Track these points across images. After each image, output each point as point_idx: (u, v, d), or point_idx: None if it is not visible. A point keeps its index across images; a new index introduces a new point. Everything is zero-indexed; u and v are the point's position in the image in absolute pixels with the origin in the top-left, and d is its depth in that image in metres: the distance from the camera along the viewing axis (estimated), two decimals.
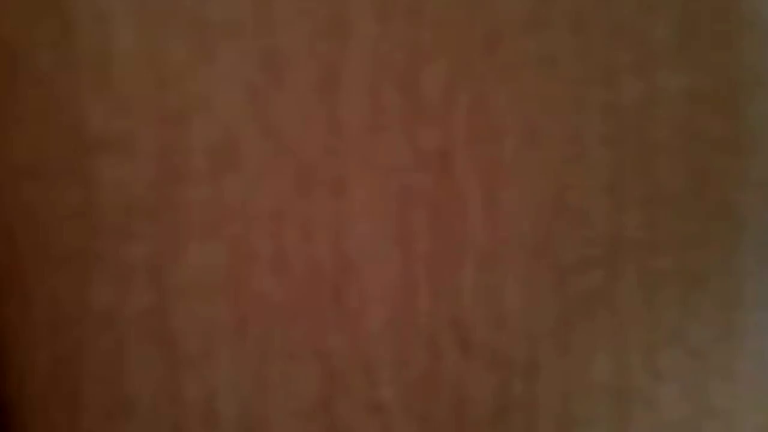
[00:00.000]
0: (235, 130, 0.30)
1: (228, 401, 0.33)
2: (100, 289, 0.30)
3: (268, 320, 0.32)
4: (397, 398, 0.34)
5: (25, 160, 0.28)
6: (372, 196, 0.32)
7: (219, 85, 0.29)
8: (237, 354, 0.32)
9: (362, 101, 0.30)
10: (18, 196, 0.28)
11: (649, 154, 0.32)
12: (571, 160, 0.32)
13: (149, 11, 0.27)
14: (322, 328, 0.33)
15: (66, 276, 0.30)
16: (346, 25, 0.29)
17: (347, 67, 0.30)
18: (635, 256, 0.33)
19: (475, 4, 0.30)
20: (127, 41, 0.27)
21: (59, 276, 0.29)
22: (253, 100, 0.29)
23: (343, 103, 0.30)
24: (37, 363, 0.30)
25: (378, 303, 0.33)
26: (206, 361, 0.32)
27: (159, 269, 0.30)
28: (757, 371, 0.36)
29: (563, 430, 0.35)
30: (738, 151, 0.33)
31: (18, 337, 0.30)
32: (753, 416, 0.36)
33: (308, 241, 0.32)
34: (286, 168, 0.30)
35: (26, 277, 0.29)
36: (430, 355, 0.34)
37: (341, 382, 0.34)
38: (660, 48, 0.31)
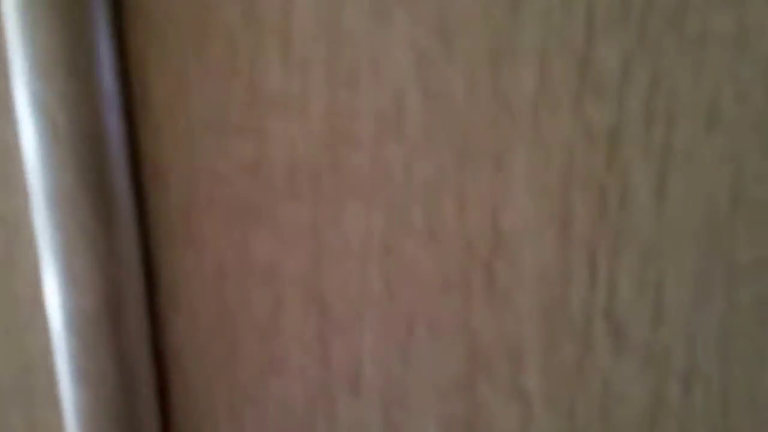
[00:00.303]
0: (402, 96, 0.30)
1: (373, 369, 0.33)
2: (263, 245, 0.31)
3: (416, 291, 0.32)
4: (541, 387, 0.33)
5: (208, 114, 0.30)
6: (534, 172, 0.31)
7: (390, 49, 0.29)
8: (384, 322, 0.33)
9: (532, 73, 0.29)
10: (199, 147, 0.30)
11: None
12: (757, 149, 0.30)
13: None
14: (470, 305, 0.32)
15: (234, 229, 0.31)
16: None
17: (519, 37, 0.29)
18: None
19: None
20: (307, 2, 0.28)
21: (229, 228, 0.31)
22: (421, 66, 0.29)
23: (511, 74, 0.29)
24: (201, 313, 0.32)
25: (530, 285, 0.32)
26: (355, 326, 0.33)
27: (318, 230, 0.31)
28: None
29: None
30: None
31: (187, 286, 0.32)
32: None
33: (464, 214, 0.31)
34: (448, 138, 0.30)
35: (201, 227, 0.31)
36: (580, 346, 0.33)
37: (485, 364, 0.33)
38: None
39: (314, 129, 0.30)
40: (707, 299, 0.32)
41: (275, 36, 0.28)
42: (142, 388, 0.31)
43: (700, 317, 0.33)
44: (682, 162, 0.31)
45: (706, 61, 0.29)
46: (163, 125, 0.30)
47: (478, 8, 0.29)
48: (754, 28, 0.28)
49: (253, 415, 0.33)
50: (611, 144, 0.30)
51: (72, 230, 0.29)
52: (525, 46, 0.29)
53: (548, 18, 0.29)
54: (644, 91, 0.29)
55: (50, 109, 0.28)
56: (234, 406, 0.34)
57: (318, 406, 0.34)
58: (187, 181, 0.30)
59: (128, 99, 0.29)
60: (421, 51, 0.29)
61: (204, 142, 0.30)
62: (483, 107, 0.30)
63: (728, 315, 0.32)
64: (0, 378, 0.33)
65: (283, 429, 0.33)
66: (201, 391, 0.34)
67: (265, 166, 0.30)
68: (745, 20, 0.28)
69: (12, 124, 0.31)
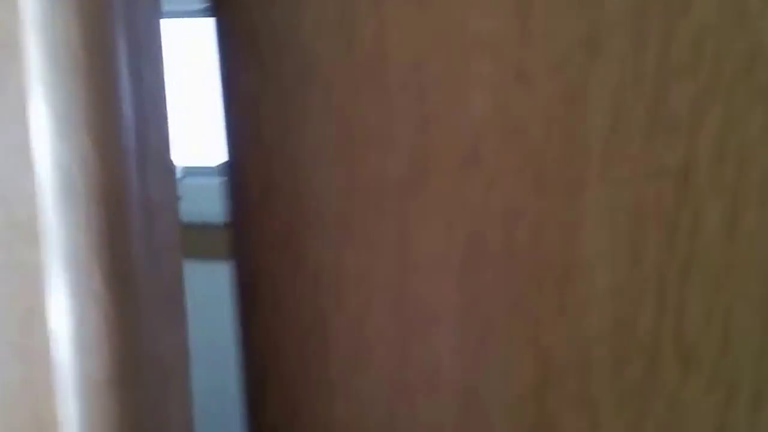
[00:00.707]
0: (482, 131, 0.32)
1: (449, 372, 0.36)
2: (355, 256, 0.35)
3: (493, 306, 0.35)
4: (609, 400, 0.35)
5: (310, 148, 0.33)
6: (606, 203, 0.33)
7: (472, 89, 0.32)
8: (461, 331, 0.35)
9: (606, 112, 0.31)
10: (301, 176, 0.34)
11: None
12: None
13: (420, 27, 0.31)
14: (542, 322, 0.35)
15: (331, 241, 0.35)
16: (598, 41, 0.30)
17: (594, 79, 0.31)
18: None
19: (734, 23, 0.29)
20: (398, 53, 0.31)
21: (326, 240, 0.35)
22: (501, 105, 0.32)
23: (586, 112, 0.31)
24: (300, 313, 0.36)
25: (600, 306, 0.34)
26: (434, 332, 0.36)
27: (403, 245, 0.34)
28: None
29: None
30: None
31: (288, 289, 0.36)
32: None
33: (538, 239, 0.34)
34: (524, 170, 0.33)
35: (301, 239, 0.35)
36: (647, 365, 0.34)
37: (555, 375, 0.35)
38: None
39: (399, 160, 0.33)
40: None
41: (369, 78, 0.32)
42: None
43: None
44: (753, 198, 0.32)
45: None
46: (273, 156, 0.34)
47: (558, 53, 0.31)
48: None
49: (342, 407, 0.37)
50: (682, 180, 0.32)
51: (83, 295, 0.27)
52: (600, 87, 0.31)
53: (623, 62, 0.31)
54: (715, 131, 0.31)
55: (69, 168, 0.27)
56: (324, 398, 0.37)
57: (398, 402, 0.37)
58: (294, 204, 0.34)
59: (240, 136, 0.33)
60: (500, 91, 0.32)
61: (307, 171, 0.34)
62: (558, 142, 0.32)
63: None
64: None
65: (367, 420, 0.37)
66: (295, 384, 0.38)
67: (358, 188, 0.34)
68: None
69: (33, 177, 0.29)
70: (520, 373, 0.35)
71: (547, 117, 0.32)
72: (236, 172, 0.34)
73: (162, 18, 0.29)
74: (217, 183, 0.73)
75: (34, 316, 0.30)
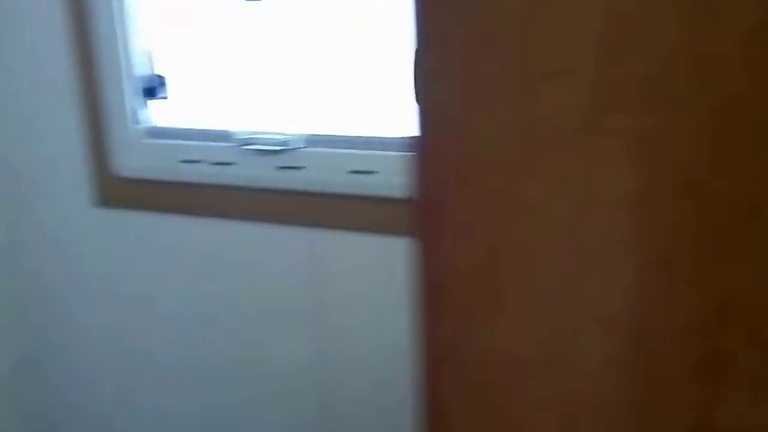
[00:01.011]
0: (665, 68, 0.32)
1: (619, 306, 0.37)
2: (534, 191, 0.36)
3: (670, 244, 0.35)
4: None
5: (492, 84, 0.34)
6: None
7: (655, 23, 0.32)
8: (637, 267, 0.36)
9: None
10: (485, 112, 0.35)
11: None
12: None
13: None
14: (720, 260, 0.34)
15: (512, 176, 0.36)
16: None
17: None
18: None
19: None
20: None
21: (506, 176, 0.36)
22: (687, 40, 0.32)
23: None
24: (476, 245, 0.38)
25: None
26: (608, 268, 0.36)
27: (582, 181, 0.35)
28: None
29: None
30: None
31: (466, 221, 0.38)
32: None
33: (719, 176, 0.33)
34: (708, 105, 0.32)
35: (485, 174, 0.36)
36: None
37: (731, 313, 0.35)
38: None
39: (581, 96, 0.34)
40: None
41: (545, 18, 0.32)
42: None
43: None
44: None
45: None
46: (455, 94, 0.35)
47: None
48: None
49: (509, 335, 0.39)
50: None
51: None
52: None
53: None
54: None
55: None
56: (492, 326, 0.39)
57: (564, 335, 0.38)
58: (474, 136, 0.36)
59: (426, 78, 0.35)
60: (688, 26, 0.31)
61: (486, 107, 0.35)
62: (744, 79, 0.31)
63: None
64: None
65: (532, 351, 0.39)
66: (466, 311, 0.40)
67: (534, 126, 0.35)
68: None
69: None
70: (695, 310, 0.36)
71: (734, 54, 0.31)
72: (421, 111, 0.35)
73: None
74: (340, 153, 0.75)
75: None
